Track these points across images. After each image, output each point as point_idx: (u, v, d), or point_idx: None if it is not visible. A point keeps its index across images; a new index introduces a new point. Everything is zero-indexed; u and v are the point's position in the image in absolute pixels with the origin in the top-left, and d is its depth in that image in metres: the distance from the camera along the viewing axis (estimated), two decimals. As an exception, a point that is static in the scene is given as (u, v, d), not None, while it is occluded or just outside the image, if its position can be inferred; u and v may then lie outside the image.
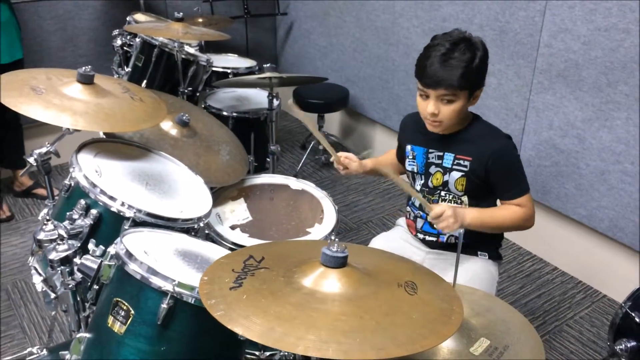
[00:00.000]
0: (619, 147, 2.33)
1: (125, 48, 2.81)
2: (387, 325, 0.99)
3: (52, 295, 1.40)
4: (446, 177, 1.70)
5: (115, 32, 2.85)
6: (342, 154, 1.85)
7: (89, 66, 1.68)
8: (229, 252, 1.43)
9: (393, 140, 1.97)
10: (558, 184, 2.60)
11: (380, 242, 1.88)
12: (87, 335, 1.28)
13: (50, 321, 2.32)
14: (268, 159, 2.55)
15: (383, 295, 1.08)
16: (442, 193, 1.72)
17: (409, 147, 1.79)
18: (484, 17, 2.69)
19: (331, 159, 1.85)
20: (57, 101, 1.56)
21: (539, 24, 2.48)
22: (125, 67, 2.76)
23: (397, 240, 1.88)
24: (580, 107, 2.43)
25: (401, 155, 1.86)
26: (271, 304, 1.02)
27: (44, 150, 1.62)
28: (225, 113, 2.66)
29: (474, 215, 1.62)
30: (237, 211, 1.94)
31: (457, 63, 1.53)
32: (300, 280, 1.09)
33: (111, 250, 1.28)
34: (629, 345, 1.55)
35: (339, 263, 1.10)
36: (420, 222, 1.80)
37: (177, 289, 1.20)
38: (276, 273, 1.13)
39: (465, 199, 1.70)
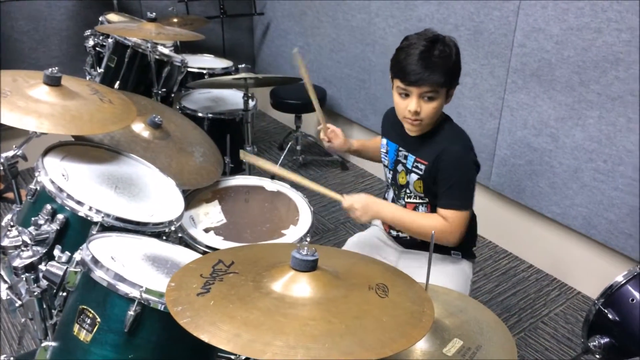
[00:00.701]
0: (592, 146, 2.36)
1: (97, 49, 2.76)
2: (356, 329, 0.98)
3: (18, 303, 1.36)
4: (408, 178, 1.71)
5: (88, 32, 2.80)
6: (329, 126, 1.94)
7: (56, 67, 1.65)
8: (200, 256, 1.40)
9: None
10: (532, 183, 2.62)
11: (356, 241, 1.88)
12: (53, 343, 1.24)
13: (20, 328, 2.27)
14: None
15: (353, 299, 1.07)
16: (407, 191, 1.73)
17: (384, 141, 1.80)
18: (458, 17, 2.70)
19: (319, 127, 1.95)
20: (22, 103, 1.52)
21: (513, 23, 2.50)
22: (97, 68, 2.72)
23: (372, 239, 1.88)
24: (553, 106, 2.45)
25: None
26: (239, 309, 1.00)
27: (10, 153, 1.58)
28: (200, 114, 2.64)
29: (390, 211, 1.68)
30: (211, 214, 1.91)
31: (438, 60, 1.53)
32: (270, 285, 1.07)
33: (76, 256, 1.25)
34: (602, 341, 1.57)
35: (309, 266, 1.08)
36: None
37: (145, 296, 1.18)
38: (245, 278, 1.11)
39: (427, 199, 1.71)
